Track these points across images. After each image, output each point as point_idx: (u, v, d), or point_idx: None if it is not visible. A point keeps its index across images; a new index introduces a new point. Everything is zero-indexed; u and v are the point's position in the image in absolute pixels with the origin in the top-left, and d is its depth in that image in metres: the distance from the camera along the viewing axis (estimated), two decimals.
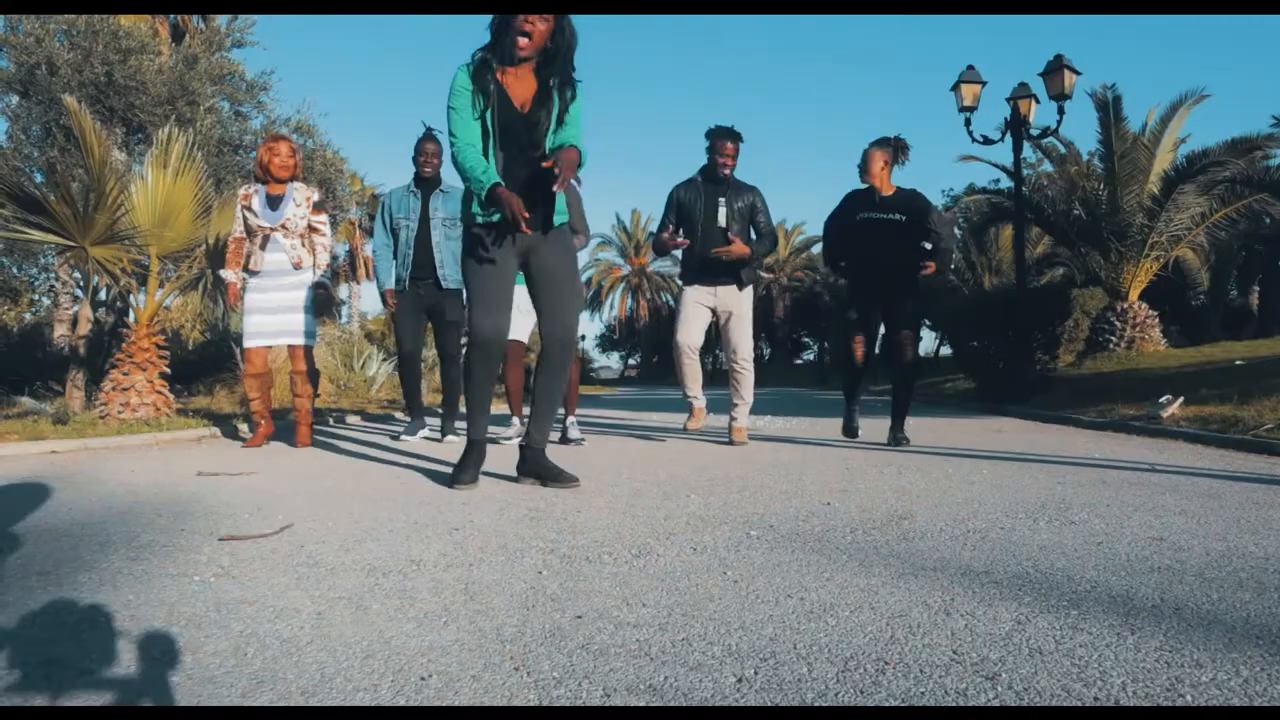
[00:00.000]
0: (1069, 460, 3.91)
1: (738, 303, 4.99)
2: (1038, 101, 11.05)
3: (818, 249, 46.80)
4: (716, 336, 5.17)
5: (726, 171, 4.95)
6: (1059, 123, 10.90)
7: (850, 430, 5.19)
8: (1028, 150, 14.84)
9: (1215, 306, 21.44)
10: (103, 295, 9.76)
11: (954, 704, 1.04)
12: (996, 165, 14.29)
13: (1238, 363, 9.88)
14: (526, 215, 2.81)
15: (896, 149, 4.98)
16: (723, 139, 4.93)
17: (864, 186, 5.08)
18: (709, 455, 4.36)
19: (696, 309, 4.99)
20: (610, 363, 59.65)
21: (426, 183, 5.39)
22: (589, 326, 57.03)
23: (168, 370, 6.46)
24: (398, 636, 1.34)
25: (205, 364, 12.18)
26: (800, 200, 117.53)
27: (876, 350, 5.25)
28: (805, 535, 2.12)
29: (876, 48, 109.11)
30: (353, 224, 38.35)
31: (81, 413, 7.15)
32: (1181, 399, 6.82)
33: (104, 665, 1.22)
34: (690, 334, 4.99)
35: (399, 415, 8.43)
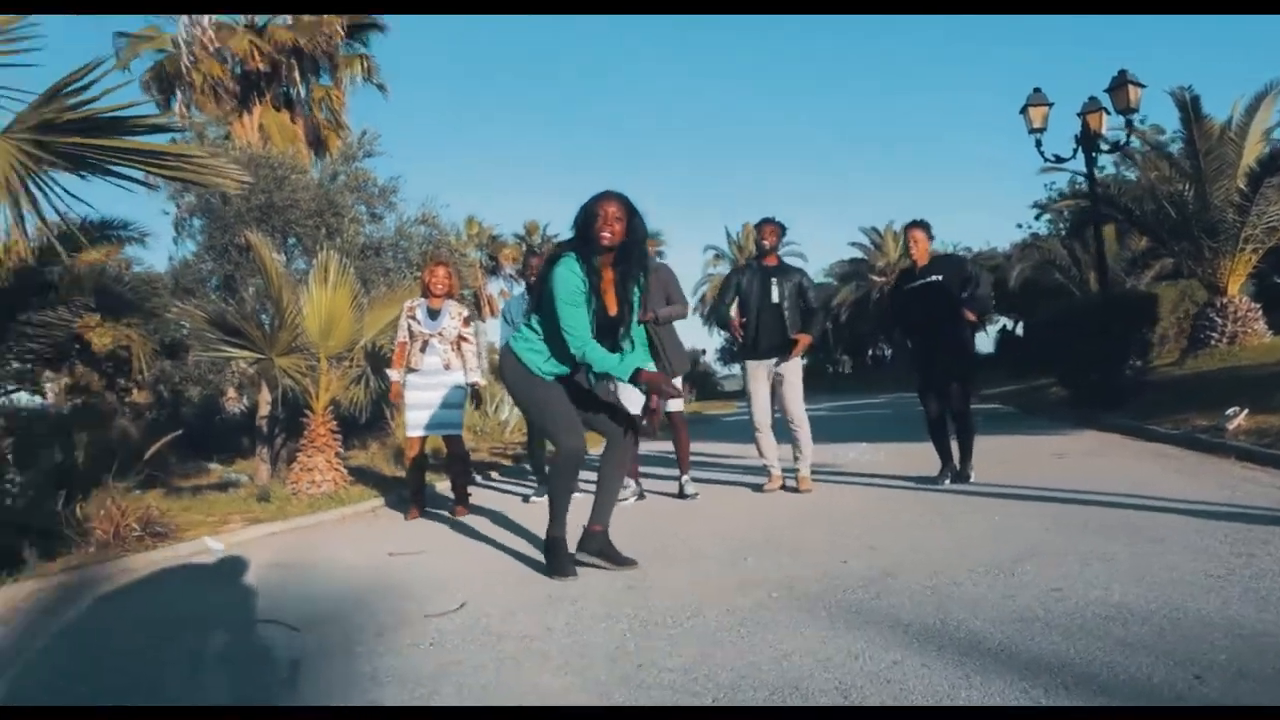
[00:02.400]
0: (1082, 498, 4.70)
1: (789, 370, 5.99)
2: (1109, 113, 11.45)
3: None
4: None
5: (766, 244, 6.08)
6: (1128, 137, 11.34)
7: (945, 475, 5.87)
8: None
9: None
10: (274, 389, 11.44)
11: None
12: (1077, 173, 14.60)
13: None
14: (673, 390, 3.70)
15: (927, 227, 6.00)
16: (764, 223, 6.13)
17: (908, 263, 6.10)
18: (779, 508, 5.35)
19: (759, 387, 6.01)
20: (734, 371, 60.71)
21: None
22: (708, 341, 58.47)
23: (341, 450, 7.87)
24: (542, 682, 2.41)
25: (359, 425, 13.80)
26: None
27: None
28: (811, 596, 3.09)
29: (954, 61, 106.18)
30: (474, 265, 41.01)
31: (271, 484, 8.66)
32: (1246, 410, 7.32)
33: (390, 690, 2.33)
34: (761, 414, 6.01)
35: (528, 467, 9.66)
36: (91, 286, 6.07)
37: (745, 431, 6.22)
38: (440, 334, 6.27)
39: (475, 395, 6.32)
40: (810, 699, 2.12)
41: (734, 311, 6.22)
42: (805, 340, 5.91)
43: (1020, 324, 31.88)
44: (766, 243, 6.09)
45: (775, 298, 5.99)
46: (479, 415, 15.63)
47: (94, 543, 5.02)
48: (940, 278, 5.89)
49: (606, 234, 3.60)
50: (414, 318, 6.31)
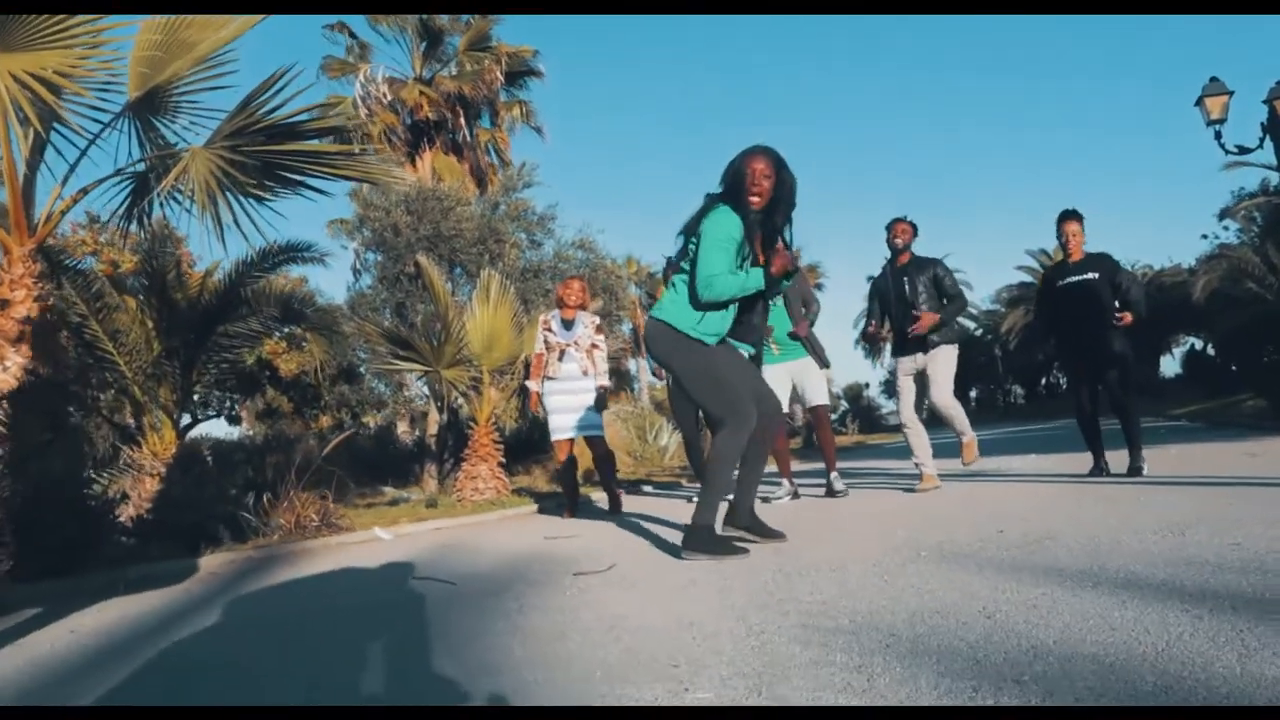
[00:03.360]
0: (1273, 483, 4.32)
1: (932, 362, 5.83)
2: None
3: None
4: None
5: (899, 243, 5.95)
6: None
7: (1098, 471, 5.73)
8: None
9: None
10: (441, 404, 12.10)
11: (963, 624, 1.97)
12: (1266, 166, 13.39)
13: None
14: (797, 264, 3.46)
15: (1082, 219, 5.81)
16: (895, 222, 6.01)
17: (1059, 260, 5.95)
18: (934, 497, 5.20)
19: (907, 383, 5.89)
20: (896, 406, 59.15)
21: None
22: (871, 374, 57.14)
23: (503, 460, 8.22)
24: (682, 610, 2.46)
25: (521, 447, 14.39)
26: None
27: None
28: (961, 554, 3.01)
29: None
30: (634, 302, 41.77)
31: (439, 495, 9.13)
32: None
33: (533, 618, 2.45)
34: (908, 409, 5.89)
35: (684, 483, 9.80)
36: (278, 300, 6.67)
37: (907, 454, 6.07)
38: (575, 343, 6.48)
39: (600, 399, 6.47)
40: (953, 621, 2.07)
41: (870, 330, 6.18)
42: (928, 318, 5.70)
43: (1208, 344, 29.45)
44: (899, 241, 5.96)
45: (909, 294, 5.88)
46: (639, 441, 15.94)
47: (278, 530, 5.48)
48: (1095, 275, 5.68)
49: (756, 194, 3.52)
50: (549, 329, 6.56)
